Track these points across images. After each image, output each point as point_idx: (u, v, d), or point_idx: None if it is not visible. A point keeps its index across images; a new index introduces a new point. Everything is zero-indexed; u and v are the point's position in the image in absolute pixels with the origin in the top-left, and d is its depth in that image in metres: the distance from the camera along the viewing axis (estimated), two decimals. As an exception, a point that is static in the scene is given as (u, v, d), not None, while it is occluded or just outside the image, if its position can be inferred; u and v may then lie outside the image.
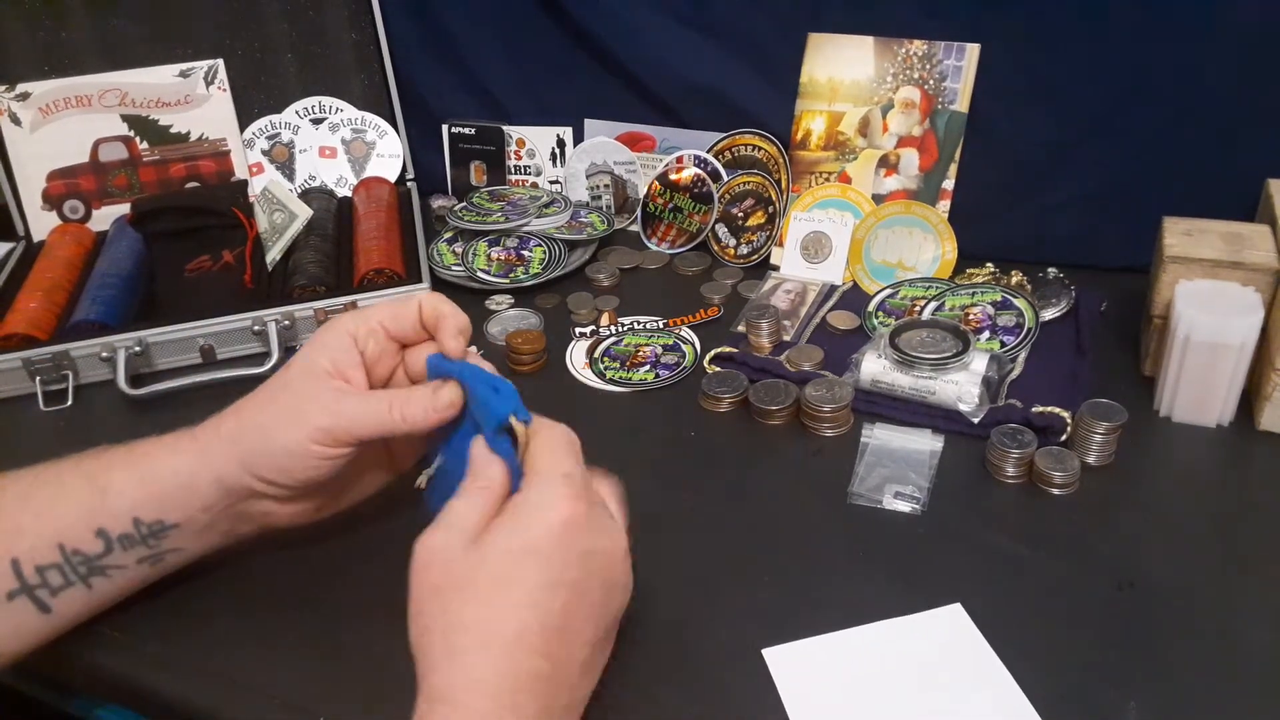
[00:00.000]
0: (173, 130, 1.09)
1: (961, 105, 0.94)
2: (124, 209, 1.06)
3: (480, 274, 0.98)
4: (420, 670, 0.48)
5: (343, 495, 0.63)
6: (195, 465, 0.57)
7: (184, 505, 0.57)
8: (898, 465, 0.71)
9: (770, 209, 1.00)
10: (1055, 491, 0.68)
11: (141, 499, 0.56)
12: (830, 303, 0.92)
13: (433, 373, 0.58)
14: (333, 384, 0.58)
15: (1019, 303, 0.85)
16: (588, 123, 1.10)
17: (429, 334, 0.61)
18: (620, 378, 0.84)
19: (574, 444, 0.53)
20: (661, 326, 0.90)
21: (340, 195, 1.12)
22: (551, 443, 0.53)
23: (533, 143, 1.12)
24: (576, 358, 0.87)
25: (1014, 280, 0.90)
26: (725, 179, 1.03)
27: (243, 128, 1.10)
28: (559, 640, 0.48)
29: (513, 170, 1.14)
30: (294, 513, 0.61)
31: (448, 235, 1.05)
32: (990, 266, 0.92)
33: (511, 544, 0.49)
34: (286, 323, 0.89)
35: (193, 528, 0.58)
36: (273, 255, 0.98)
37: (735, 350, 0.85)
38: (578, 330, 0.90)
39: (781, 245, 0.98)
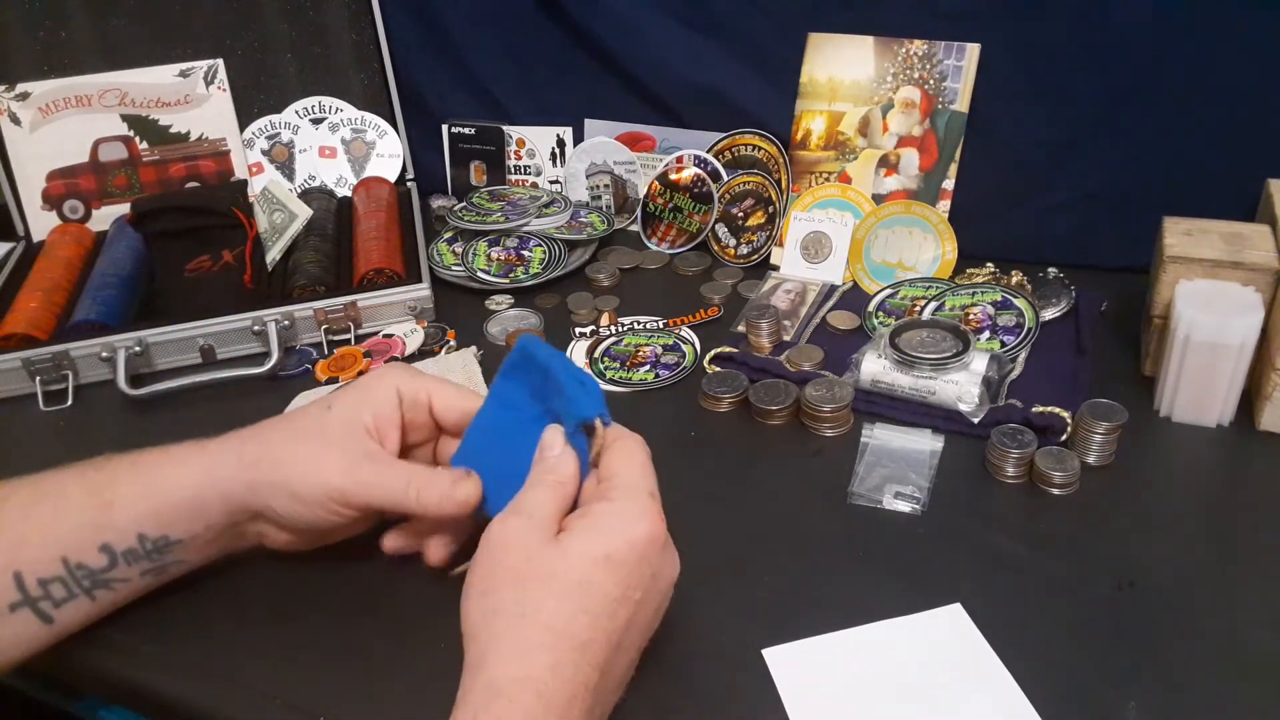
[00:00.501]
0: (172, 130, 1.09)
1: (961, 105, 0.94)
2: (124, 209, 1.06)
3: (480, 274, 0.98)
4: (476, 650, 0.47)
5: (334, 535, 0.63)
6: (202, 480, 0.57)
7: (189, 521, 0.57)
8: (898, 465, 0.71)
9: (770, 209, 1.00)
10: (1055, 491, 0.68)
11: (146, 514, 0.56)
12: (830, 303, 0.92)
13: (518, 354, 0.59)
14: (366, 444, 0.58)
15: (1019, 303, 0.85)
16: (588, 123, 1.10)
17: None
18: (620, 378, 0.84)
19: (650, 459, 0.54)
20: (661, 326, 0.90)
21: (340, 195, 1.12)
22: (634, 455, 0.53)
23: (533, 143, 1.12)
24: (577, 358, 0.87)
25: (1014, 280, 0.90)
26: (725, 179, 1.03)
27: (242, 127, 1.10)
28: (613, 654, 0.49)
29: (513, 170, 1.14)
30: (288, 541, 0.61)
31: (448, 235, 1.05)
32: (990, 266, 0.92)
33: (594, 549, 0.49)
34: (286, 323, 0.89)
35: (195, 543, 0.58)
36: (272, 255, 0.98)
37: (735, 350, 0.85)
38: (578, 330, 0.90)
39: (781, 245, 0.98)
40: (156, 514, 0.56)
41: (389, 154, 1.14)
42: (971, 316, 0.85)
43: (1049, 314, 0.86)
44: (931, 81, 0.94)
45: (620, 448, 0.53)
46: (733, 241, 1.02)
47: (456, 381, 0.67)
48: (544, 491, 0.52)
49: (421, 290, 0.92)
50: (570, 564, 0.48)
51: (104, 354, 0.85)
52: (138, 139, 1.08)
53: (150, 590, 0.59)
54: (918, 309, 0.87)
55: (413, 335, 0.90)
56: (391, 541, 0.61)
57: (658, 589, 0.51)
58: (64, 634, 0.57)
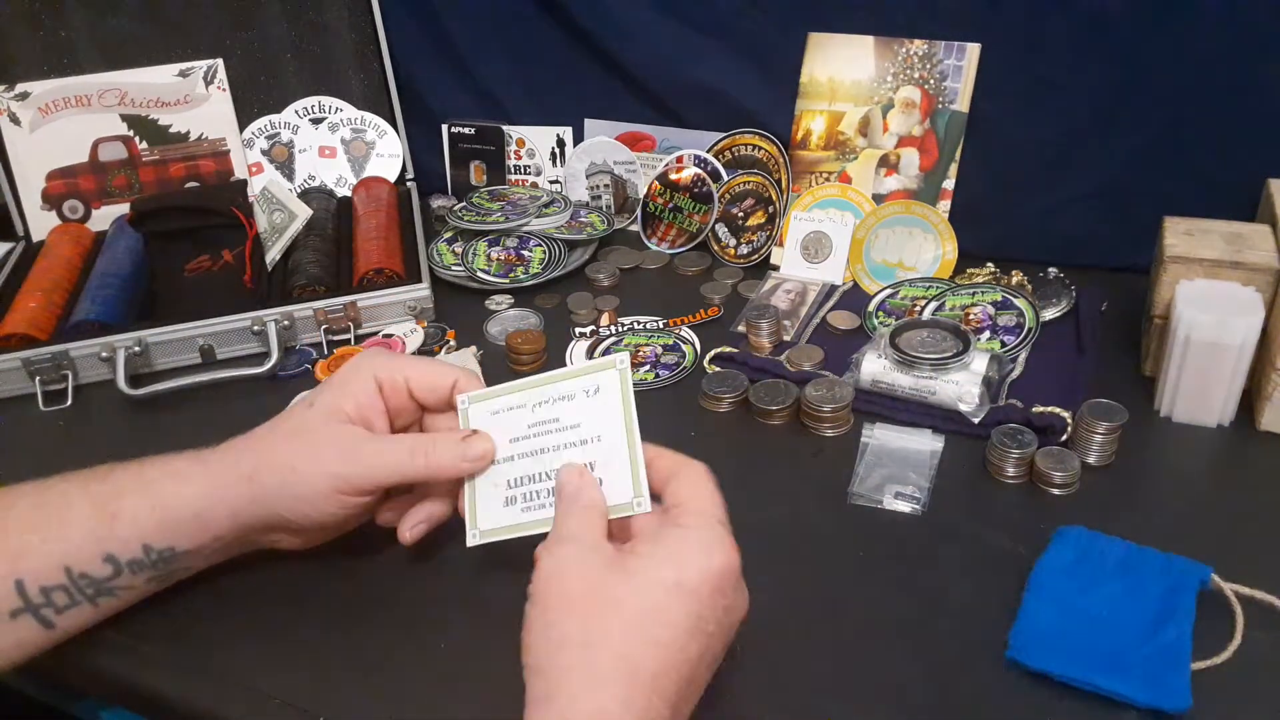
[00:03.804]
0: (172, 130, 1.08)
1: (962, 105, 0.94)
2: (123, 209, 1.06)
3: (480, 274, 0.98)
4: (543, 685, 0.45)
5: (347, 525, 0.63)
6: (208, 499, 0.57)
7: (196, 535, 0.57)
8: (898, 465, 0.71)
9: (770, 209, 1.00)
10: (1055, 491, 0.68)
11: (153, 527, 0.56)
12: (830, 303, 0.92)
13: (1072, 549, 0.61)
14: (354, 431, 0.57)
15: (1019, 303, 0.85)
16: (588, 123, 1.10)
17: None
18: (620, 378, 0.84)
19: (718, 487, 0.52)
20: (661, 326, 0.90)
21: (340, 195, 1.12)
22: (703, 482, 0.51)
23: (533, 143, 1.12)
24: (576, 358, 0.87)
25: (1014, 280, 0.90)
26: (725, 179, 1.03)
27: (242, 127, 1.10)
28: (684, 689, 0.46)
29: (513, 170, 1.14)
30: (303, 543, 0.61)
31: (448, 235, 1.05)
32: (991, 266, 0.92)
33: (664, 575, 0.46)
34: (286, 323, 0.89)
35: (203, 552, 0.58)
36: (272, 255, 0.98)
37: (735, 350, 0.85)
38: (578, 330, 0.90)
39: (781, 245, 0.98)
40: (161, 527, 0.56)
41: (389, 154, 1.14)
42: (972, 316, 0.85)
43: (1049, 314, 0.86)
44: (931, 81, 0.94)
45: (687, 475, 0.51)
46: (733, 241, 1.02)
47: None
48: (580, 515, 0.50)
49: (421, 290, 0.92)
50: (636, 589, 0.46)
51: (103, 354, 0.85)
52: (137, 139, 1.08)
53: (154, 593, 0.60)
54: (918, 309, 0.86)
55: (412, 335, 0.90)
56: (386, 515, 0.61)
57: (728, 623, 0.48)
58: (64, 638, 0.57)
